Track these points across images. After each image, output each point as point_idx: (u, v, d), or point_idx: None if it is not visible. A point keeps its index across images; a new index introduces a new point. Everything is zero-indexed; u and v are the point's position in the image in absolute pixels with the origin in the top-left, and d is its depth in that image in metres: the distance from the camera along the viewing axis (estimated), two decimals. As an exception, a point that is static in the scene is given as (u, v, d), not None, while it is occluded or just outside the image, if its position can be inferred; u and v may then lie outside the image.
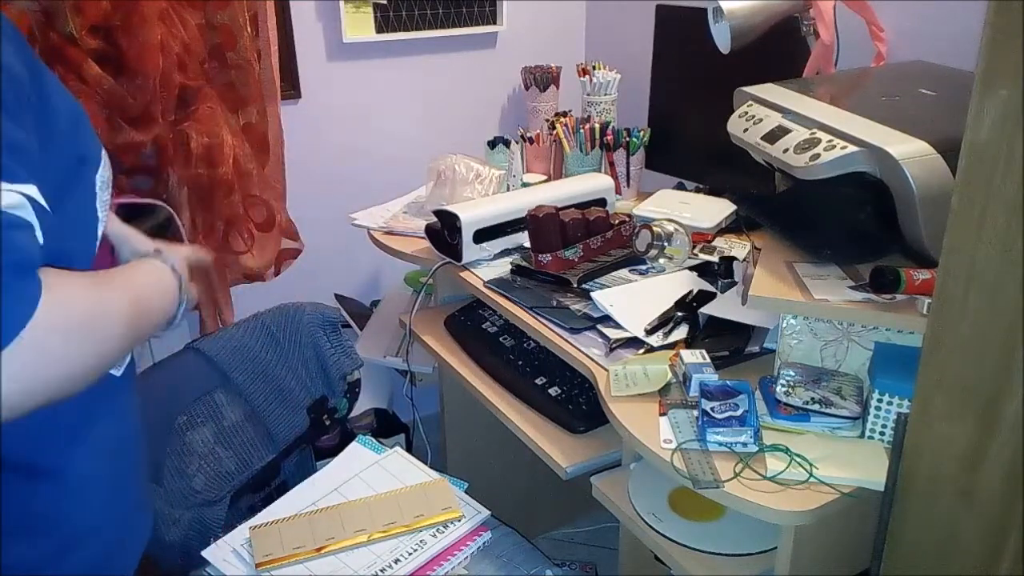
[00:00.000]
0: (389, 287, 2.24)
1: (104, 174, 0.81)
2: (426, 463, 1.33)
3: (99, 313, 0.69)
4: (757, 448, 1.04)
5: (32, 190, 0.65)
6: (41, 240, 0.65)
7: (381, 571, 1.12)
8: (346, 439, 1.56)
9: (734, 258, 1.47)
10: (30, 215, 0.65)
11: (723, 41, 1.51)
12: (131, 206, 1.00)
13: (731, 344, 1.28)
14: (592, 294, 1.42)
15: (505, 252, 1.66)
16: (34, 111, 0.70)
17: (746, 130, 1.32)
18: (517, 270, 1.55)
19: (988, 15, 0.74)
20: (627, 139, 1.95)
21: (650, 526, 1.12)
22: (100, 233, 0.81)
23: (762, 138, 1.27)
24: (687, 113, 1.92)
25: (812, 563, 1.03)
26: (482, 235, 1.61)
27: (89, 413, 0.81)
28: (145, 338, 0.78)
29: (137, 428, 0.93)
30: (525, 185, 1.91)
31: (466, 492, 1.28)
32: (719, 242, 1.61)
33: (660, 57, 1.94)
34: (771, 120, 1.29)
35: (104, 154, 0.82)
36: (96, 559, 0.85)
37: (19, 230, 0.63)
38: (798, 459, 1.01)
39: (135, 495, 0.93)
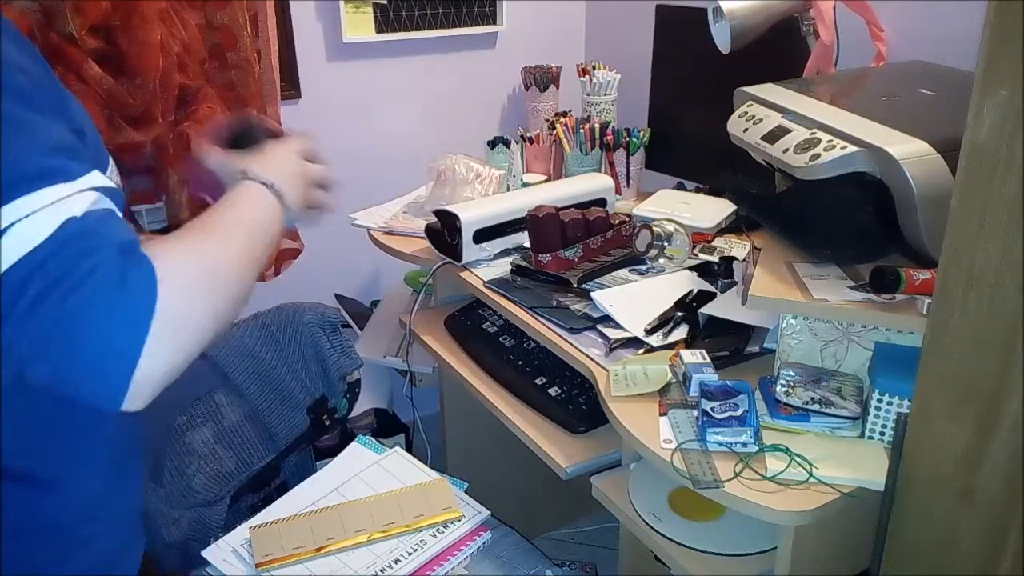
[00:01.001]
0: (389, 287, 2.24)
1: (113, 178, 0.81)
2: (426, 463, 1.33)
3: (214, 263, 0.72)
4: (757, 448, 1.04)
5: (95, 177, 0.67)
6: (113, 208, 0.68)
7: (381, 571, 1.12)
8: (346, 439, 1.56)
9: (734, 258, 1.47)
10: (107, 203, 0.67)
11: (723, 41, 1.51)
12: (228, 131, 0.99)
13: (731, 344, 1.28)
14: (592, 294, 1.42)
15: (505, 252, 1.66)
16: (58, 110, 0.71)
17: (746, 130, 1.32)
18: (517, 270, 1.55)
19: (988, 15, 0.74)
20: (627, 139, 1.95)
21: (650, 526, 1.12)
22: None
23: (762, 138, 1.27)
24: (687, 113, 1.92)
25: (812, 563, 1.03)
26: (482, 235, 1.61)
27: (89, 426, 0.81)
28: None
29: (136, 439, 0.93)
30: (525, 185, 1.91)
31: (466, 492, 1.28)
32: (719, 242, 1.61)
33: (660, 57, 1.94)
34: (771, 120, 1.29)
35: (110, 158, 0.82)
36: (95, 568, 0.85)
37: (107, 223, 0.66)
38: (798, 459, 1.01)
39: (133, 506, 0.93)
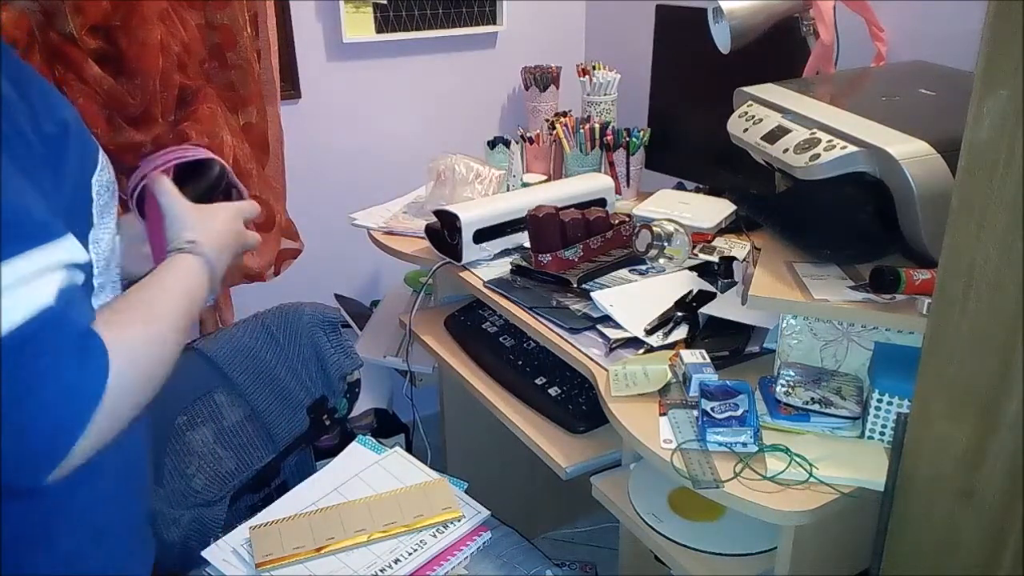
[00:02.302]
0: (389, 287, 2.24)
1: (102, 177, 0.80)
2: (426, 463, 1.33)
3: (156, 345, 0.73)
4: (757, 448, 1.04)
5: (63, 247, 0.65)
6: (81, 281, 0.68)
7: (381, 571, 1.12)
8: (346, 439, 1.56)
9: (734, 258, 1.47)
10: (76, 276, 0.67)
11: (723, 41, 1.51)
12: (183, 166, 0.99)
13: (731, 344, 1.28)
14: (592, 294, 1.42)
15: (505, 252, 1.66)
16: (34, 135, 0.69)
17: (746, 130, 1.32)
18: (517, 270, 1.55)
19: (988, 15, 0.74)
20: (627, 139, 1.95)
21: (650, 526, 1.12)
22: (92, 237, 0.78)
23: (762, 138, 1.27)
24: (687, 113, 1.92)
25: (812, 563, 1.03)
26: (482, 235, 1.61)
27: None
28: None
29: (144, 449, 0.92)
30: (525, 185, 1.91)
31: (466, 492, 1.28)
32: (719, 242, 1.61)
33: (660, 57, 1.94)
34: (771, 120, 1.29)
35: (103, 156, 0.81)
36: None
37: (71, 306, 0.65)
38: (798, 459, 1.01)
39: (141, 516, 0.93)
